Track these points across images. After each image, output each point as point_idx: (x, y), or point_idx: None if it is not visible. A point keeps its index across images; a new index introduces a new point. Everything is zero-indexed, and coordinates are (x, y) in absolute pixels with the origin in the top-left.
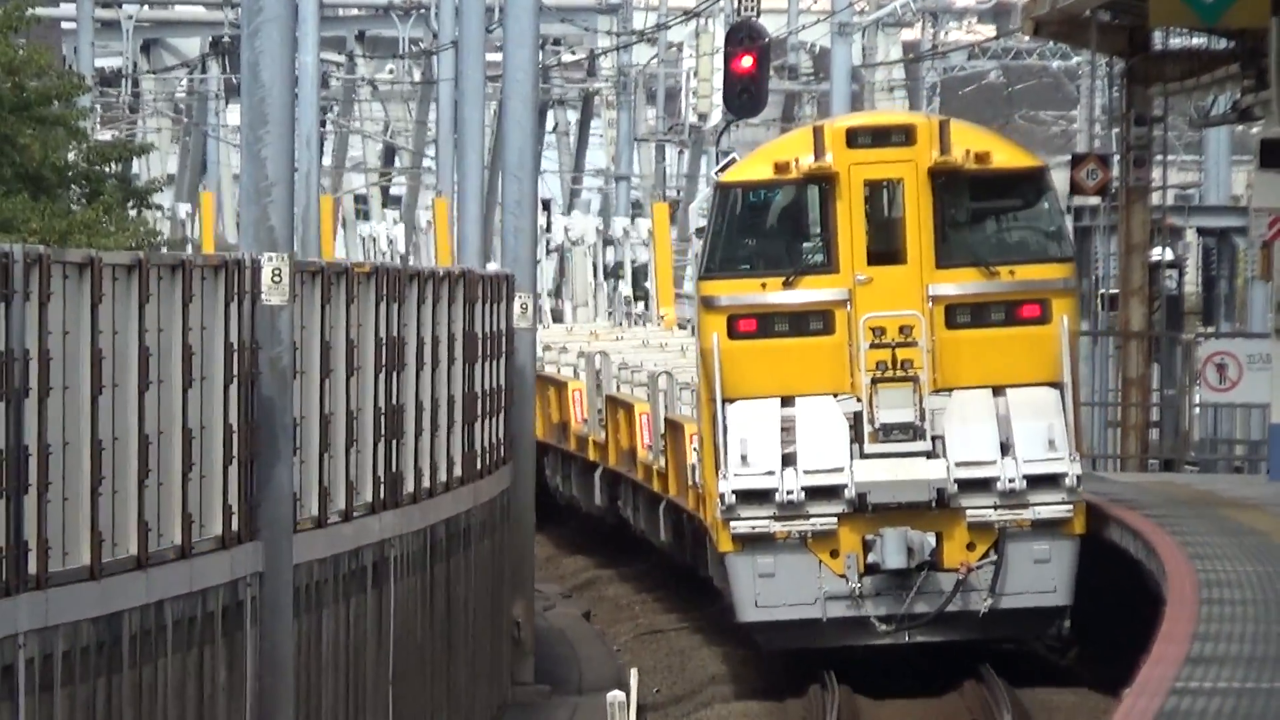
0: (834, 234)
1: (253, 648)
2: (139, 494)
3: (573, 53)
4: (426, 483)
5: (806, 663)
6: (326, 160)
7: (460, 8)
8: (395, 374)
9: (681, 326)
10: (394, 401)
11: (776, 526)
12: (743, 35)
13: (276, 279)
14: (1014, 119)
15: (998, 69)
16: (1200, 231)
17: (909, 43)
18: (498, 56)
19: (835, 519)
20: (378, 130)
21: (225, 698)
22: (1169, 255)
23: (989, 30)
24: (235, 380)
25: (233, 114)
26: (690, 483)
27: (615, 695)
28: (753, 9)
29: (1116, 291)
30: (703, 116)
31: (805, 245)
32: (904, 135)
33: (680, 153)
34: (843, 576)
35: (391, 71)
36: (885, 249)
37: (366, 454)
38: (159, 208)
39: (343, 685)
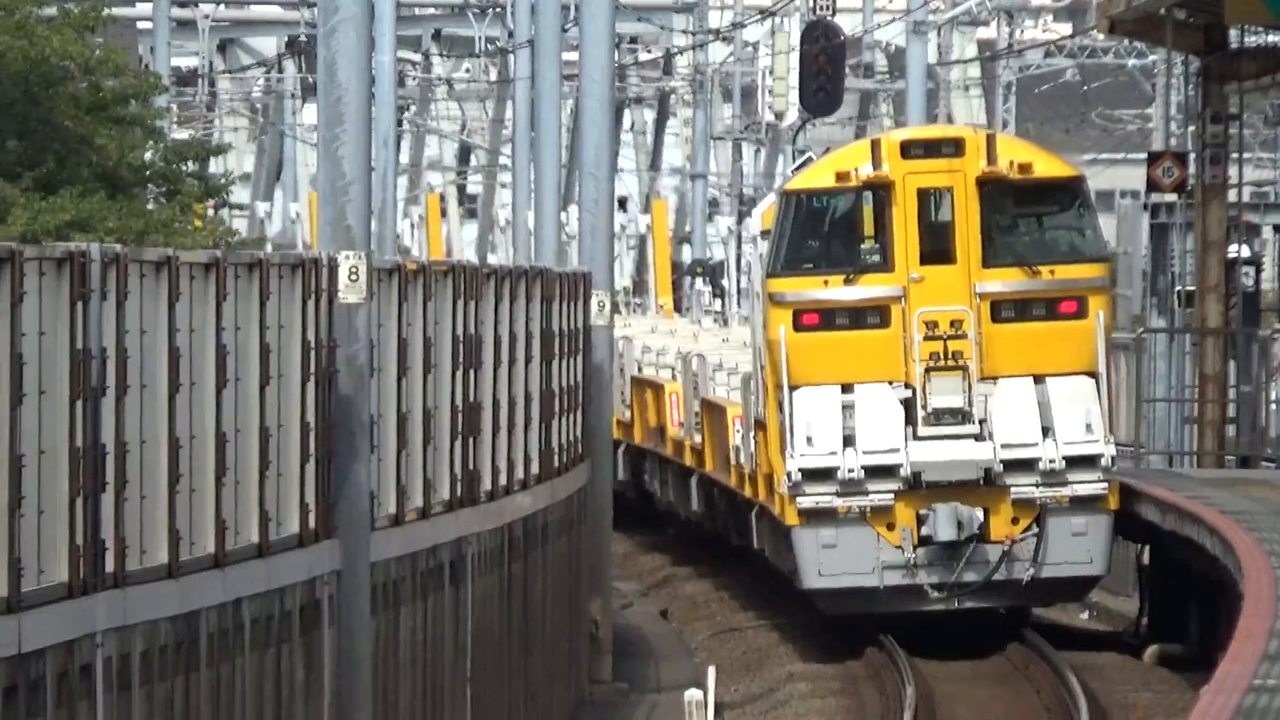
0: (890, 236)
1: (330, 646)
2: (216, 492)
3: (649, 51)
4: (504, 480)
5: (880, 661)
6: (403, 159)
7: (536, 6)
8: (472, 372)
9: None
10: (471, 399)
11: (838, 502)
12: (818, 34)
13: (353, 277)
14: (1090, 117)
15: (1073, 67)
16: (1277, 229)
17: (984, 41)
18: (574, 55)
19: (892, 495)
20: (454, 129)
21: (302, 697)
22: (1245, 252)
23: (1065, 28)
24: (312, 378)
25: (309, 113)
26: (734, 463)
27: (693, 694)
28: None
29: (1193, 289)
30: (779, 115)
31: (863, 246)
32: (954, 147)
33: (757, 151)
34: (898, 548)
35: (468, 70)
36: (936, 250)
37: (443, 452)
38: (237, 207)
39: (420, 684)
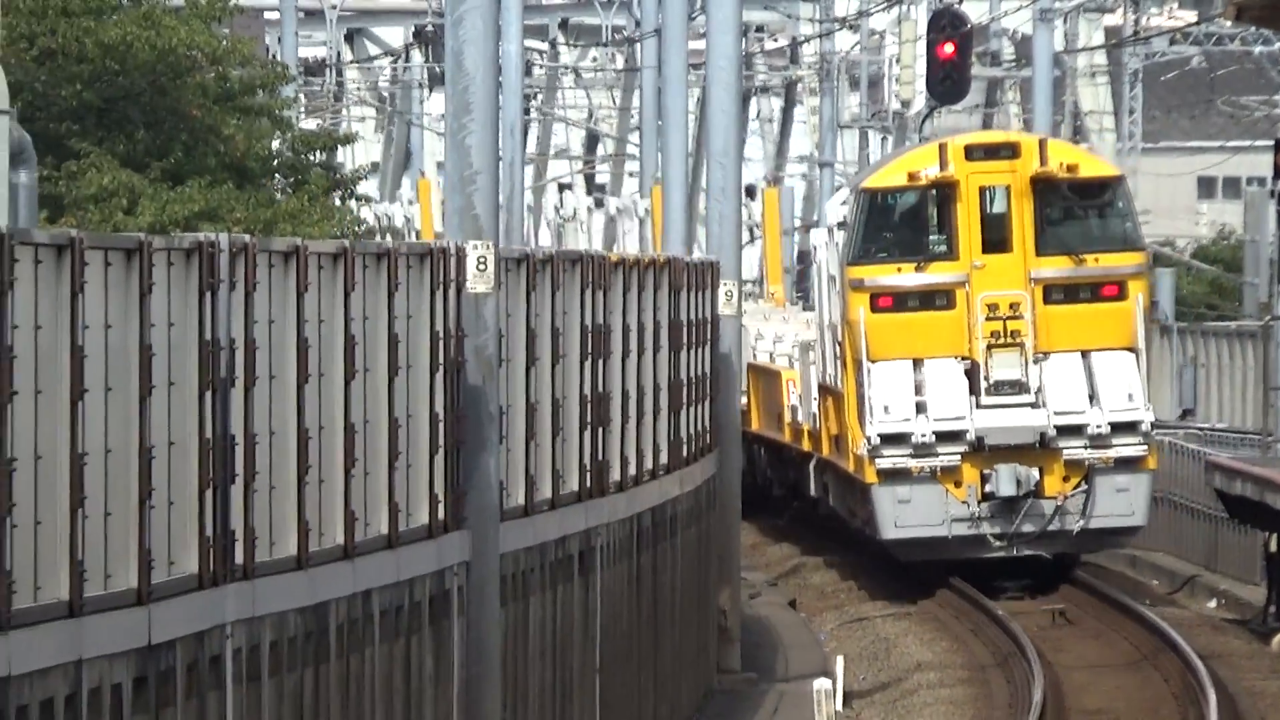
0: (954, 229)
1: (459, 637)
2: (345, 483)
3: (775, 40)
4: (632, 471)
5: (1008, 649)
6: (530, 148)
7: None
8: (600, 362)
9: (793, 304)
10: (599, 389)
11: (912, 463)
12: (945, 22)
13: (481, 267)
14: (1216, 104)
15: (1200, 54)
16: None
17: (1111, 28)
18: (701, 44)
19: (959, 457)
20: (581, 118)
21: (432, 687)
22: None
23: (1191, 15)
24: (441, 369)
25: (436, 103)
26: (789, 421)
27: (822, 683)
28: None
29: None
30: (905, 103)
31: (931, 238)
32: (1011, 150)
33: (883, 139)
34: (964, 503)
35: (595, 59)
36: (995, 240)
37: (572, 442)
38: (366, 198)
39: (549, 674)
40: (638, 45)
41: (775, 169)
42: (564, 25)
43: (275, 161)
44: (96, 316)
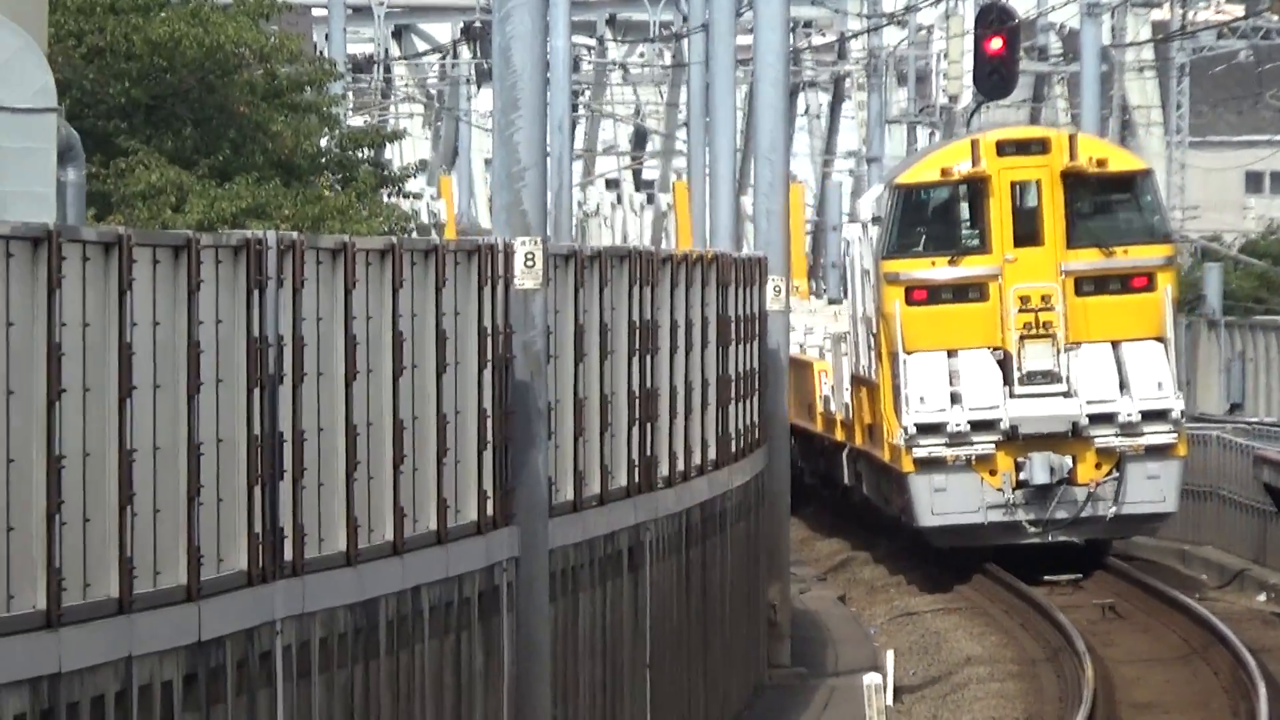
0: (987, 223)
1: (509, 633)
2: (394, 479)
3: (823, 35)
4: (681, 466)
5: (1058, 643)
6: (578, 144)
7: None
8: (649, 358)
9: (817, 297)
10: (648, 385)
11: (947, 452)
12: (993, 17)
13: (530, 263)
14: (1264, 98)
15: (1247, 49)
16: None
17: (1158, 22)
18: (748, 39)
19: (993, 445)
20: (629, 114)
21: (482, 683)
22: None
23: (1238, 10)
24: (489, 365)
25: (484, 99)
26: (821, 411)
27: (872, 677)
28: None
29: None
30: (953, 98)
31: (964, 232)
32: (1041, 146)
33: (931, 134)
34: (999, 490)
35: (642, 55)
36: (1027, 234)
37: (621, 438)
38: (415, 195)
39: (599, 670)
40: (685, 41)
41: (823, 164)
42: (611, 21)
43: (323, 158)
44: (145, 314)
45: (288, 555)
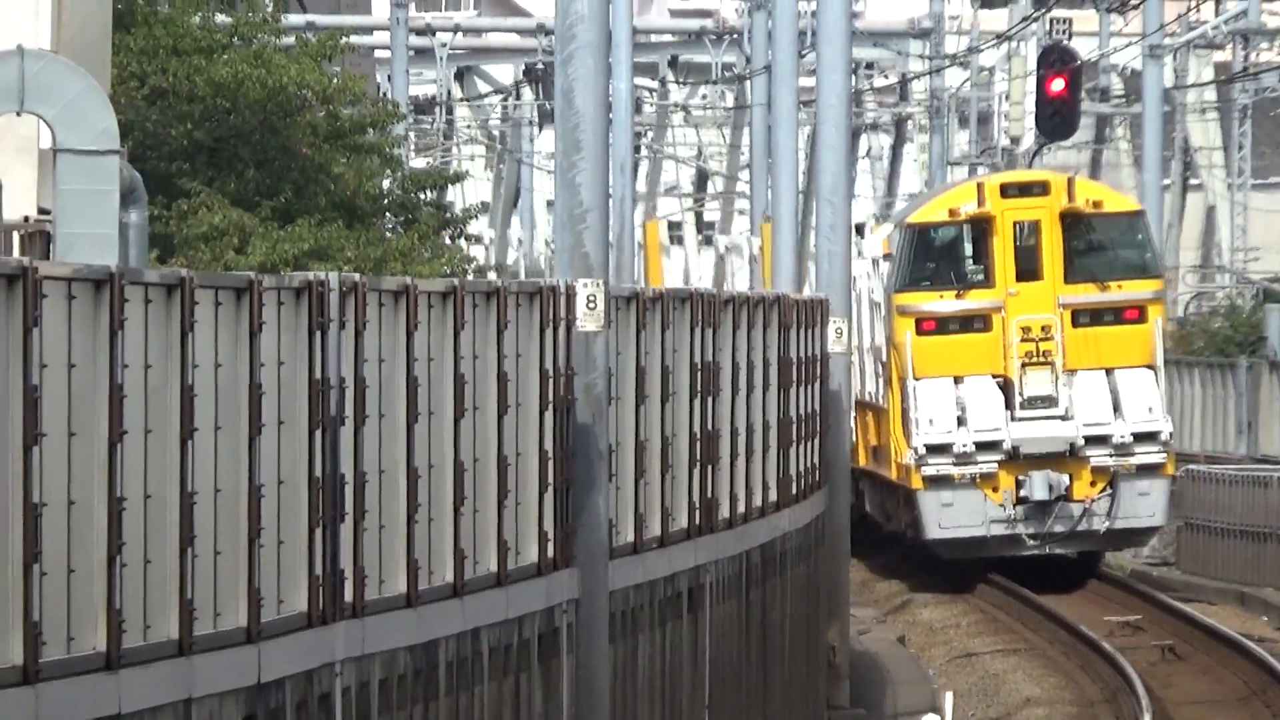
0: (991, 259)
1: (569, 675)
2: (455, 522)
3: (885, 77)
4: (742, 508)
5: (1116, 685)
6: (640, 186)
7: (772, 33)
8: (710, 399)
9: None
10: (709, 427)
11: (954, 470)
12: (1055, 58)
13: (591, 305)
14: None
15: None
16: None
17: (1221, 64)
18: (811, 81)
19: (996, 464)
20: (691, 155)
21: None
22: None
23: None
24: (550, 407)
25: (546, 140)
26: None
27: (931, 718)
28: (1064, 32)
29: None
30: (1015, 139)
31: (970, 268)
32: (1042, 188)
33: None
34: (1001, 506)
35: (704, 96)
36: (1028, 270)
37: (682, 479)
38: (476, 238)
39: (659, 712)
40: (747, 83)
41: (885, 206)
42: (674, 63)
43: (385, 200)
44: (206, 356)
45: (348, 597)
